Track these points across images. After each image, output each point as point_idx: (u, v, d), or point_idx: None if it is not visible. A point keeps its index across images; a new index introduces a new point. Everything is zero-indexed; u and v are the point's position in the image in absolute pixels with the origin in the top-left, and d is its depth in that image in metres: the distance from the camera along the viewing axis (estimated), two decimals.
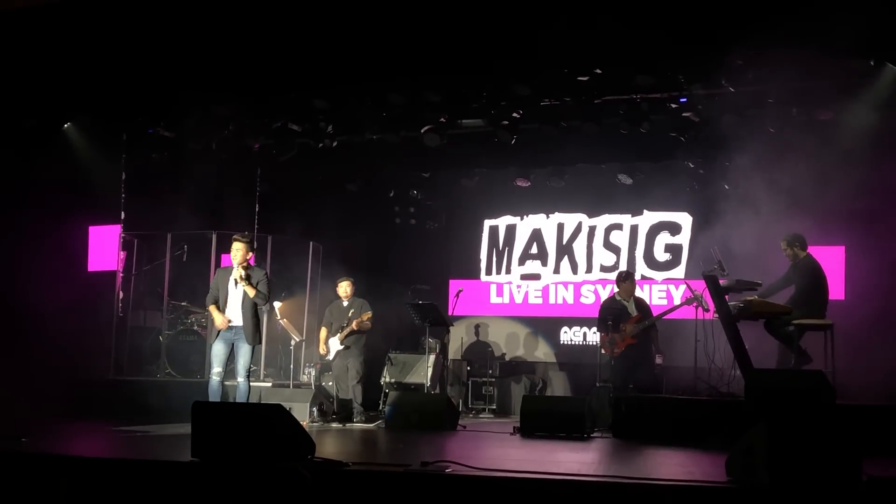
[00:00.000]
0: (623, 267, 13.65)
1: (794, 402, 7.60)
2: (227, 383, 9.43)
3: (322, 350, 11.50)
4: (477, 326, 14.35)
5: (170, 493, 5.90)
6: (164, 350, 12.27)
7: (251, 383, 9.44)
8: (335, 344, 11.33)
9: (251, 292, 9.22)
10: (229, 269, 9.42)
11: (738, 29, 9.02)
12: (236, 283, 9.25)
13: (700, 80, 10.48)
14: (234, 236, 9.39)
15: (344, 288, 11.60)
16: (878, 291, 11.10)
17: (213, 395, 9.17)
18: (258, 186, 13.43)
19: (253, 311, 9.32)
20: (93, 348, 12.04)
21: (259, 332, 9.48)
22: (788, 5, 8.71)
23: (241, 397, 9.26)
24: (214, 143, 12.40)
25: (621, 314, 11.42)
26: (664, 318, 11.48)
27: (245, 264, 9.31)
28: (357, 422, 10.93)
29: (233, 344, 9.31)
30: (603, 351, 11.77)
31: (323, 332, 11.58)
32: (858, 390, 9.34)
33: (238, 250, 9.30)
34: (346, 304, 11.55)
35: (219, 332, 9.30)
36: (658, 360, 11.05)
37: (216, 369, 9.24)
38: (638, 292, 12.00)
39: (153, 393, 11.27)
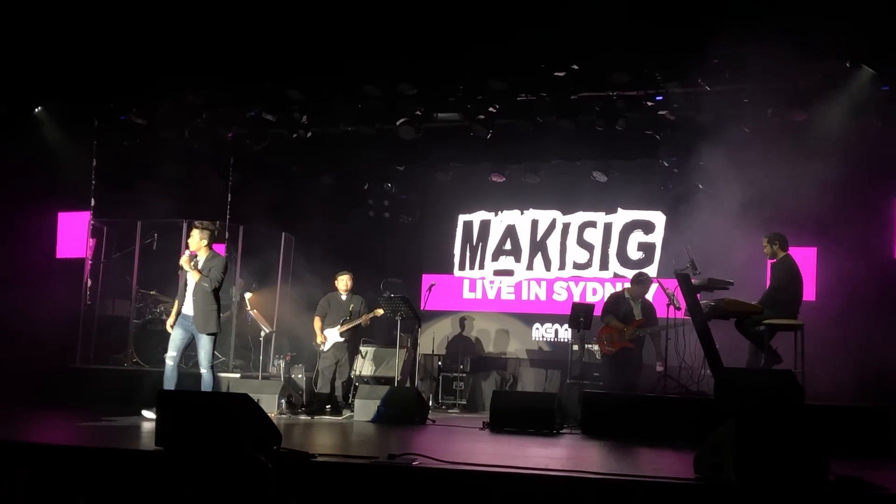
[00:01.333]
0: (596, 265, 13.71)
1: (763, 401, 7.63)
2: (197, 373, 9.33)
3: (320, 339, 11.46)
4: (449, 321, 14.32)
5: (132, 481, 5.82)
6: (132, 339, 12.14)
7: (217, 374, 9.41)
8: (333, 335, 11.29)
9: (195, 276, 9.13)
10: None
11: (716, 28, 9.02)
12: (182, 266, 9.25)
13: (677, 78, 10.47)
14: (194, 223, 9.41)
15: (344, 281, 11.63)
16: (848, 293, 11.16)
17: (168, 380, 9.13)
18: (231, 176, 13.31)
19: (205, 300, 9.18)
20: (60, 336, 11.89)
21: (212, 320, 9.22)
22: (766, 6, 8.73)
23: (205, 389, 9.14)
24: (187, 131, 12.27)
25: (626, 314, 11.40)
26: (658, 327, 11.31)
27: (206, 251, 9.26)
28: (334, 415, 10.91)
29: (192, 334, 9.24)
30: (593, 347, 11.77)
31: (317, 321, 11.54)
32: (827, 391, 9.37)
33: (193, 234, 9.31)
34: (344, 297, 11.55)
35: (178, 317, 9.27)
36: (658, 368, 10.84)
37: (170, 353, 9.21)
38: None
39: (120, 382, 11.15)
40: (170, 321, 9.44)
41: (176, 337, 9.24)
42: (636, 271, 12.30)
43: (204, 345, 9.16)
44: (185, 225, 12.17)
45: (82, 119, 12.43)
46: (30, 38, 10.18)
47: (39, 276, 11.82)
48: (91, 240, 12.60)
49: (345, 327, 11.30)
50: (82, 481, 5.82)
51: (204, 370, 9.19)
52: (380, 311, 11.32)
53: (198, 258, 9.28)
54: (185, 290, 9.30)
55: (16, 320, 11.15)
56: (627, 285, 11.94)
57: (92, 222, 12.63)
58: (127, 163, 12.67)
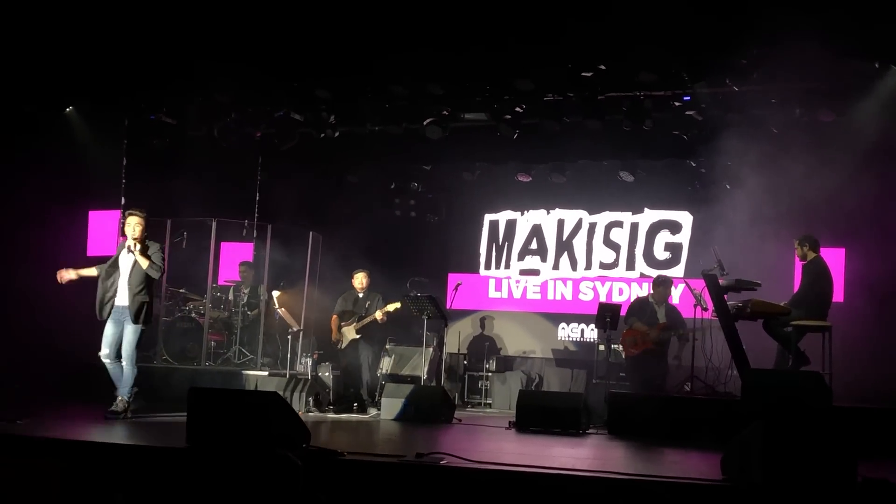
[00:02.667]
0: (623, 265, 13.70)
1: (790, 402, 7.60)
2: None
3: (335, 336, 11.53)
4: (478, 320, 14.35)
5: (163, 478, 5.89)
6: (161, 336, 12.24)
7: (136, 369, 8.99)
8: (350, 333, 11.34)
9: (144, 263, 8.83)
10: (124, 243, 9.03)
11: (744, 27, 9.01)
12: (129, 250, 8.83)
13: (704, 78, 10.44)
14: (130, 210, 9.03)
15: (360, 279, 11.67)
16: (876, 294, 11.11)
17: (114, 378, 8.87)
18: (259, 175, 13.39)
19: (141, 290, 8.90)
20: (90, 333, 11.99)
21: (145, 311, 8.93)
22: (794, 6, 8.69)
23: (125, 383, 8.90)
24: (216, 131, 12.37)
25: (650, 317, 11.41)
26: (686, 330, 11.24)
27: (141, 239, 8.94)
28: (360, 413, 10.97)
29: (122, 325, 8.91)
30: (618, 348, 11.76)
31: (334, 320, 11.61)
32: (855, 392, 9.34)
33: (135, 224, 8.91)
34: (361, 295, 11.61)
35: (101, 306, 8.90)
36: (686, 388, 10.70)
37: (103, 350, 8.85)
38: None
39: (150, 379, 11.24)
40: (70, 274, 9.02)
41: (108, 333, 8.87)
42: (662, 272, 12.30)
43: (129, 334, 8.86)
44: (213, 223, 12.28)
45: (112, 118, 12.56)
46: (59, 39, 10.29)
47: None
48: (121, 238, 12.69)
49: (360, 324, 11.35)
50: (118, 478, 5.89)
51: (125, 363, 8.87)
52: (392, 307, 11.29)
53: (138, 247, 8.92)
54: (115, 278, 8.92)
55: (47, 317, 11.28)
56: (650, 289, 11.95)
57: (122, 220, 12.73)
58: (156, 161, 12.79)
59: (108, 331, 8.90)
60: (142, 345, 12.20)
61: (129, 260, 8.97)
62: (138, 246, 8.86)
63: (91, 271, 9.10)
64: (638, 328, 11.36)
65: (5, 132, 11.71)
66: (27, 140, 11.91)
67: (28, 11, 9.90)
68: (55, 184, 12.01)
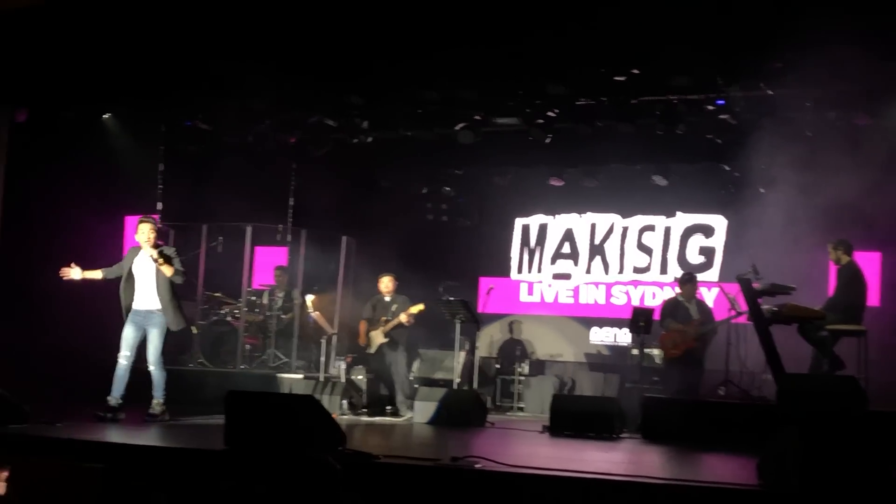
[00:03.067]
0: (656, 269, 13.66)
1: (826, 407, 7.56)
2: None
3: (362, 341, 11.60)
4: (507, 324, 14.37)
5: (202, 480, 5.97)
6: (198, 340, 12.37)
7: (165, 371, 9.07)
8: (378, 337, 11.40)
9: (169, 271, 8.85)
10: (139, 250, 9.02)
11: (777, 31, 8.97)
12: (154, 260, 8.80)
13: (738, 81, 10.40)
14: (141, 218, 9.01)
15: (386, 283, 11.68)
16: None
17: (119, 379, 8.85)
18: (293, 180, 13.49)
19: (172, 293, 8.96)
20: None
21: (181, 314, 9.05)
22: (830, 8, 8.64)
23: (157, 387, 9.00)
24: (251, 137, 12.49)
25: (684, 316, 11.39)
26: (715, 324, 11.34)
27: (154, 244, 8.94)
28: (394, 416, 11.03)
29: (144, 329, 8.95)
30: (658, 351, 11.73)
31: (362, 325, 11.67)
32: (891, 397, 9.27)
33: (148, 231, 8.89)
34: (388, 299, 11.62)
35: (128, 313, 8.95)
36: (720, 391, 10.66)
37: (124, 352, 8.88)
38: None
39: (185, 382, 11.36)
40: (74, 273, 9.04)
41: (128, 335, 8.91)
42: (683, 273, 12.26)
43: (155, 339, 8.91)
44: (249, 228, 12.40)
45: (149, 125, 12.71)
46: (97, 47, 10.41)
47: None
48: (158, 243, 12.81)
49: (387, 327, 11.38)
50: (159, 480, 5.98)
51: (152, 367, 8.94)
52: (416, 309, 11.27)
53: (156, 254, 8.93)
54: (133, 284, 8.96)
55: (85, 321, 11.41)
56: (677, 289, 11.90)
57: (159, 226, 12.85)
58: (192, 167, 12.92)
59: (129, 334, 8.95)
60: (179, 348, 12.43)
61: (147, 265, 8.99)
62: (155, 254, 8.84)
63: (96, 274, 9.14)
64: (675, 328, 11.32)
65: (44, 139, 11.87)
66: (65, 146, 12.05)
67: (65, 20, 10.03)
68: (92, 189, 12.15)
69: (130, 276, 9.02)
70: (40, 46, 10.42)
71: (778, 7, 8.92)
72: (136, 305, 8.98)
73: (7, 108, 11.58)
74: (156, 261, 8.83)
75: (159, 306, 8.94)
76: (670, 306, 11.64)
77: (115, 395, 8.87)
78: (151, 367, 8.98)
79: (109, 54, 10.52)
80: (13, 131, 11.64)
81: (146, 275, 8.99)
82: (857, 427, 5.57)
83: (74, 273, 9.06)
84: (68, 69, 10.87)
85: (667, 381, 11.36)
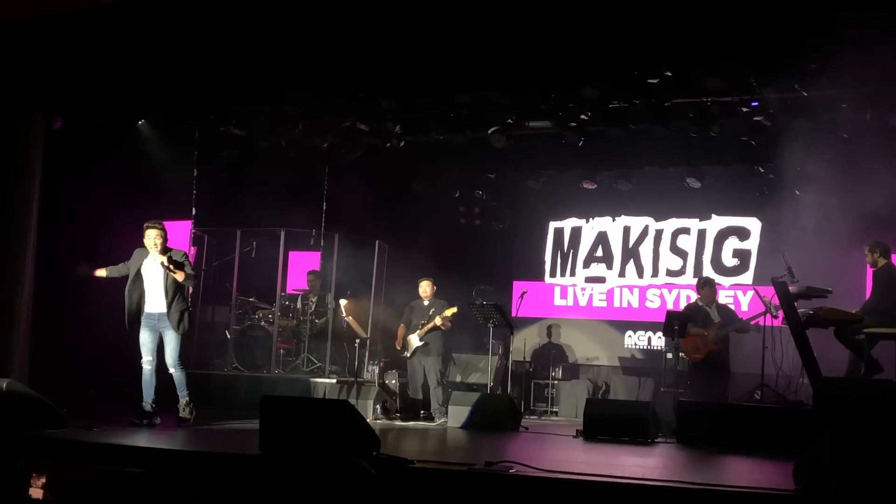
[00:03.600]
0: (690, 272, 13.59)
1: (863, 411, 7.48)
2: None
3: (398, 346, 11.64)
4: (540, 328, 14.34)
5: (238, 485, 6.01)
6: (232, 345, 12.45)
7: (184, 370, 9.15)
8: (415, 341, 11.42)
9: (180, 276, 8.91)
10: (145, 252, 9.05)
11: (812, 31, 8.90)
12: (164, 266, 8.84)
13: (772, 83, 10.32)
14: (148, 223, 8.99)
15: (424, 287, 11.71)
16: None
17: (146, 385, 8.95)
18: (326, 185, 13.56)
19: (181, 297, 9.03)
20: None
21: (187, 318, 9.08)
22: (863, 7, 8.55)
23: (180, 387, 9.10)
24: (284, 142, 12.56)
25: (704, 320, 11.34)
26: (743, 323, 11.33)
27: (163, 249, 8.96)
28: (427, 421, 11.05)
29: (159, 332, 9.03)
30: (683, 355, 11.69)
31: (400, 329, 11.71)
32: None
33: (157, 237, 8.91)
34: (426, 303, 11.65)
35: (131, 315, 9.00)
36: (756, 395, 10.65)
37: (146, 357, 8.98)
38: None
39: (221, 387, 11.44)
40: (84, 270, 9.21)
41: (146, 340, 8.99)
42: (730, 278, 12.21)
43: (171, 342, 8.98)
44: (282, 233, 12.47)
45: (183, 131, 12.81)
46: (132, 53, 10.50)
47: None
48: (192, 248, 12.94)
49: (423, 331, 11.40)
50: (195, 483, 6.02)
51: (172, 369, 9.02)
52: (449, 312, 11.26)
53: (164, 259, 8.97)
54: (141, 287, 8.99)
55: (121, 325, 11.51)
56: (696, 294, 11.89)
57: (193, 231, 13.01)
58: (226, 173, 13.02)
59: (146, 338, 9.03)
60: (214, 352, 12.51)
61: (155, 269, 9.02)
62: (165, 260, 8.87)
63: (101, 272, 9.23)
64: (695, 332, 11.28)
65: (80, 145, 12.00)
66: (100, 153, 12.17)
67: (98, 29, 10.13)
68: (127, 195, 12.25)
69: (139, 278, 9.07)
70: (74, 54, 10.53)
71: (812, 7, 8.85)
72: (148, 309, 9.05)
73: (42, 116, 11.70)
74: (166, 268, 8.89)
75: (164, 310, 8.99)
76: (689, 311, 11.62)
77: (147, 399, 8.97)
78: (171, 370, 9.06)
79: (143, 61, 10.60)
80: (49, 138, 11.76)
81: (155, 278, 9.04)
82: (895, 431, 5.49)
83: (83, 270, 9.22)
84: (102, 77, 10.97)
85: (692, 385, 11.31)
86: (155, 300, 9.03)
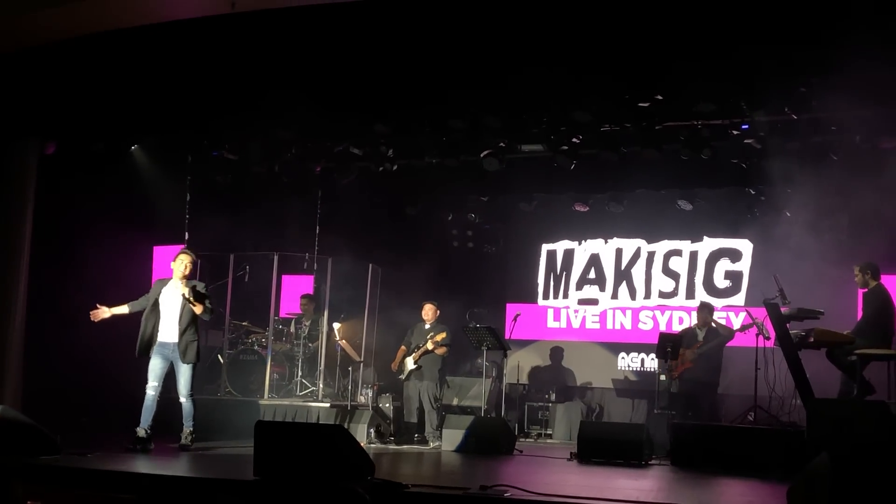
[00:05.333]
0: (682, 294, 13.68)
1: (856, 433, 7.51)
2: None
3: (394, 367, 11.67)
4: (534, 351, 14.35)
5: None
6: (225, 369, 12.43)
7: (194, 402, 9.25)
8: (409, 363, 11.43)
9: (199, 309, 8.99)
10: (166, 281, 9.19)
11: (802, 55, 8.97)
12: (185, 298, 8.93)
13: (762, 107, 10.40)
14: (183, 248, 9.13)
15: (426, 311, 11.75)
16: None
17: (147, 410, 8.96)
18: (319, 208, 13.58)
19: (194, 328, 9.09)
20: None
21: (194, 350, 9.09)
22: (851, 33, 8.63)
23: (187, 417, 9.15)
24: (277, 166, 12.59)
25: (689, 341, 11.60)
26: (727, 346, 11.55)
27: (187, 277, 9.08)
28: (421, 444, 11.04)
29: (171, 361, 9.08)
30: (663, 377, 11.81)
31: (400, 351, 11.75)
32: None
33: (188, 262, 9.05)
34: (427, 326, 11.68)
35: (144, 343, 9.06)
36: (749, 417, 10.78)
37: (152, 383, 9.02)
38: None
39: (214, 411, 11.41)
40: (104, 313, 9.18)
41: (156, 367, 9.04)
42: (723, 300, 12.31)
43: (184, 373, 9.05)
44: (275, 257, 12.48)
45: (176, 156, 12.84)
46: (125, 79, 10.54)
47: None
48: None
49: (416, 354, 11.42)
50: None
51: (183, 399, 9.09)
52: (439, 336, 11.28)
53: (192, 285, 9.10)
54: (157, 314, 9.07)
55: (113, 350, 11.50)
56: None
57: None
58: (219, 197, 13.03)
59: (156, 365, 9.07)
60: (205, 377, 12.47)
61: (174, 298, 9.09)
62: (188, 292, 8.94)
63: (122, 309, 9.29)
64: (681, 353, 11.54)
65: (73, 171, 12.02)
66: (94, 178, 12.19)
67: (91, 55, 10.17)
68: (121, 220, 12.27)
69: (156, 306, 9.12)
70: (68, 80, 10.57)
71: (801, 32, 8.92)
72: (161, 338, 9.08)
73: (36, 141, 11.72)
74: (187, 299, 8.93)
75: (176, 339, 9.02)
76: (684, 335, 11.86)
77: (144, 425, 8.97)
78: (182, 399, 9.10)
79: (136, 87, 10.64)
80: (42, 163, 11.78)
81: (172, 307, 9.09)
82: (889, 452, 5.52)
83: (103, 314, 9.20)
84: (95, 102, 11.00)
85: (673, 404, 11.42)
86: (169, 329, 9.08)
